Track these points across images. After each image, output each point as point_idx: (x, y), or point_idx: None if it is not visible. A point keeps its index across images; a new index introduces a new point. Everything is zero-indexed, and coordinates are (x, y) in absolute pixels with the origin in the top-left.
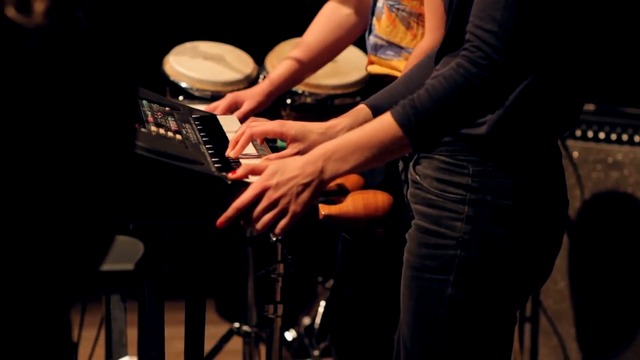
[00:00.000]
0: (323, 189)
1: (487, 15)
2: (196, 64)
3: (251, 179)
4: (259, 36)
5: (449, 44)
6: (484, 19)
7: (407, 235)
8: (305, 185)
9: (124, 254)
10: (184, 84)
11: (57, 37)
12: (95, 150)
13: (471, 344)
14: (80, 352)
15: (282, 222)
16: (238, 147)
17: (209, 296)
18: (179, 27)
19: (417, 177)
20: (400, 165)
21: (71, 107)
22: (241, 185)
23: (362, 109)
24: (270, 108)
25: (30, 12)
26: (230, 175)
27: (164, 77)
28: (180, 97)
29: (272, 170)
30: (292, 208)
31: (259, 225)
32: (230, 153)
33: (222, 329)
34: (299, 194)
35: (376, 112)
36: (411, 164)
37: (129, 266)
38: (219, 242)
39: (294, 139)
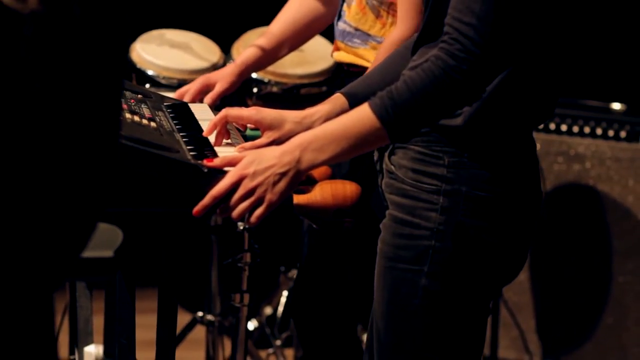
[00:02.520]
0: (300, 179)
1: (466, 8)
2: (163, 51)
3: (228, 168)
4: (226, 25)
5: (426, 35)
6: (462, 12)
7: (381, 225)
8: (282, 175)
9: (103, 241)
10: (150, 72)
11: (51, 23)
12: (83, 135)
13: (445, 334)
14: None
15: (258, 211)
16: (210, 125)
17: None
18: (145, 15)
19: (392, 167)
20: (375, 155)
21: (63, 92)
22: (218, 173)
23: (338, 97)
24: (236, 97)
25: None
26: (207, 163)
27: (131, 65)
28: (147, 85)
29: (250, 159)
30: (268, 197)
31: (235, 213)
32: (206, 134)
33: (183, 318)
34: (275, 183)
35: (353, 101)
36: (386, 154)
37: (109, 253)
38: (182, 231)
39: (269, 127)
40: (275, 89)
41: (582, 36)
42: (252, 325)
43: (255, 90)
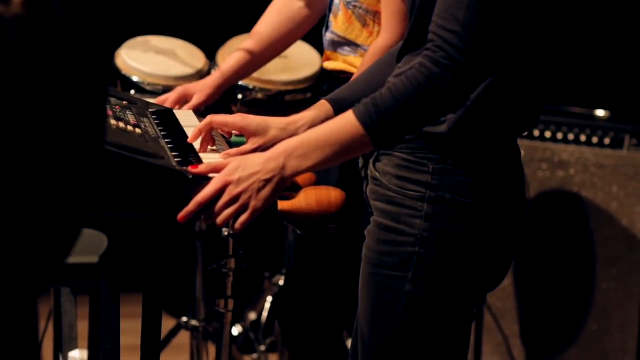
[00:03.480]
0: (284, 185)
1: (450, 16)
2: (148, 58)
3: (213, 174)
4: (211, 31)
5: (411, 43)
6: (446, 19)
7: (366, 232)
8: (267, 182)
9: (89, 247)
10: (135, 78)
11: (34, 27)
12: (68, 141)
13: (429, 341)
14: None
15: (243, 218)
16: (195, 131)
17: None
18: (130, 21)
19: (377, 174)
20: (360, 162)
21: (47, 97)
22: (202, 179)
23: (323, 104)
24: (221, 103)
25: (9, 2)
26: (192, 170)
27: (116, 71)
28: (132, 92)
29: (234, 165)
30: (253, 204)
31: (220, 220)
32: (191, 140)
33: (167, 323)
34: (260, 189)
35: (338, 108)
36: (371, 160)
37: (94, 259)
38: (166, 236)
39: (254, 134)
40: (260, 95)
41: (566, 44)
42: (236, 330)
43: (240, 96)
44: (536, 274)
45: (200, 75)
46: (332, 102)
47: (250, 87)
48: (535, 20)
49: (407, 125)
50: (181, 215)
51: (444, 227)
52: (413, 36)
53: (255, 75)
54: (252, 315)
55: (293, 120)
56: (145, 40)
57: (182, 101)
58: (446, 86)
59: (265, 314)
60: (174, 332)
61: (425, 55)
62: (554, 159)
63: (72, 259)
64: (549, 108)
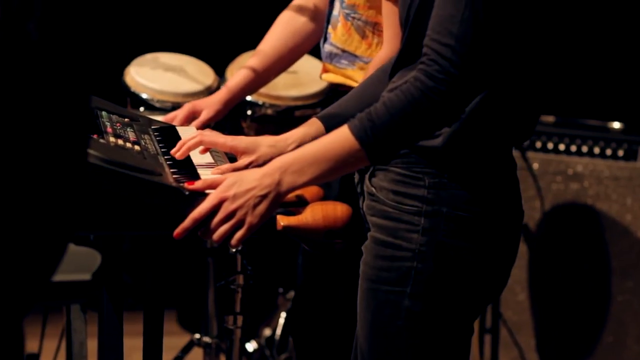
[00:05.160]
0: (280, 201)
1: (444, 29)
2: (157, 75)
3: (209, 190)
4: (220, 47)
5: (405, 57)
6: (441, 33)
7: (363, 248)
8: (262, 197)
9: (82, 264)
10: (144, 95)
11: (8, 48)
12: (45, 160)
13: (429, 355)
14: None
15: (239, 234)
16: (184, 149)
17: (171, 307)
18: (139, 39)
19: (373, 189)
20: (356, 177)
21: (22, 117)
22: (199, 196)
23: (314, 122)
24: (230, 119)
25: None
26: (188, 186)
27: (125, 88)
28: (141, 108)
29: (230, 181)
30: (249, 220)
31: (216, 236)
32: (174, 152)
33: (183, 340)
34: (255, 205)
35: (328, 125)
36: (367, 176)
37: (86, 276)
38: (180, 253)
39: (244, 152)
40: (269, 111)
41: (561, 57)
42: (251, 346)
43: (249, 112)
44: (551, 286)
45: (210, 91)
46: (323, 119)
47: (260, 102)
48: (529, 33)
49: (403, 139)
50: (177, 231)
51: (441, 241)
52: (407, 50)
53: (265, 90)
54: (267, 331)
55: (282, 137)
56: (154, 57)
57: (191, 118)
58: (441, 100)
59: (279, 330)
60: (186, 349)
61: (420, 69)
62: (568, 172)
63: (65, 277)
64: (562, 120)
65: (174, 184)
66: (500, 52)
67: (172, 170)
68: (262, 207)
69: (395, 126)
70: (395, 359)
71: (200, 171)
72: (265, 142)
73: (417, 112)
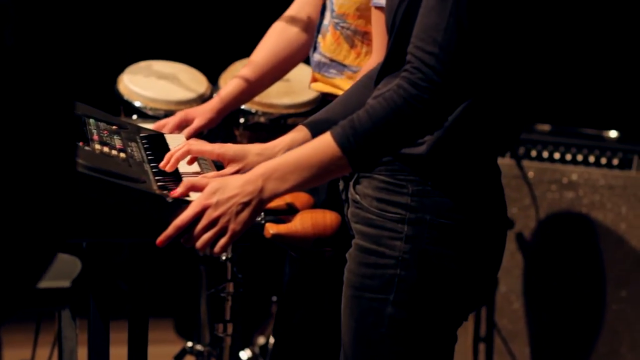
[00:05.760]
0: (262, 208)
1: (428, 37)
2: (150, 83)
3: (192, 196)
4: (213, 55)
5: (390, 64)
6: (424, 40)
7: (347, 255)
8: (245, 205)
9: (61, 271)
10: (137, 103)
11: None
12: (25, 167)
13: None
14: None
15: (222, 241)
16: (172, 161)
17: (167, 315)
18: (133, 46)
19: (357, 196)
20: (341, 184)
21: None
22: (182, 203)
23: (300, 129)
24: (223, 127)
25: None
26: (171, 194)
27: (118, 96)
28: (134, 116)
29: (212, 188)
30: (232, 227)
31: (199, 243)
32: (163, 165)
33: (173, 348)
34: (238, 212)
35: (315, 132)
36: (351, 183)
37: (66, 283)
38: (174, 261)
39: (232, 160)
40: (262, 119)
41: (546, 66)
42: (245, 355)
43: (242, 120)
44: (546, 295)
45: (203, 99)
46: (309, 126)
47: (253, 110)
48: (513, 42)
49: (385, 146)
50: (160, 239)
51: (424, 249)
52: (392, 58)
53: (257, 99)
54: (261, 340)
55: (269, 145)
56: (148, 65)
57: (183, 125)
58: (423, 107)
59: (272, 338)
60: (179, 357)
61: (403, 76)
62: (563, 180)
63: (44, 283)
64: (557, 129)
65: (157, 192)
66: (484, 60)
67: (156, 177)
68: (244, 215)
69: (378, 134)
70: None
71: (185, 179)
72: (253, 150)
73: (400, 120)
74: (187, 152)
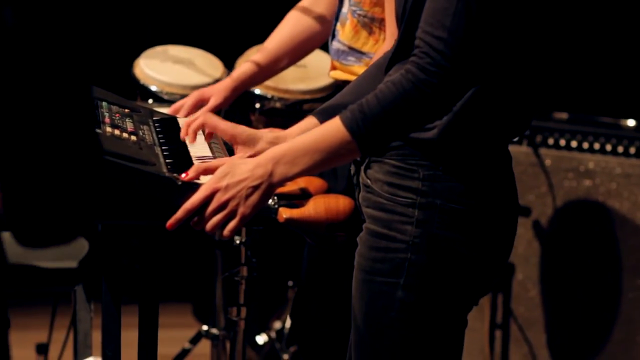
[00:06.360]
0: (272, 191)
1: (437, 22)
2: (166, 67)
3: (202, 179)
4: (230, 40)
5: (401, 51)
6: (433, 25)
7: (358, 239)
8: (255, 188)
9: (69, 252)
10: (153, 88)
11: None
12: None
13: (422, 347)
14: (51, 354)
15: (231, 224)
16: (190, 132)
17: (185, 300)
18: (149, 31)
19: (368, 180)
20: (352, 169)
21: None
22: (192, 186)
23: (311, 118)
24: (239, 112)
25: None
26: (181, 177)
27: (134, 81)
28: (150, 101)
29: (223, 172)
30: (241, 210)
31: (208, 226)
32: (183, 136)
33: (189, 332)
34: (248, 196)
35: (324, 120)
36: (362, 167)
37: (73, 264)
38: (191, 246)
39: (243, 144)
40: (278, 104)
41: (556, 51)
42: (261, 339)
43: (258, 105)
44: (562, 283)
45: None
46: (319, 115)
47: (269, 96)
48: (522, 26)
49: (393, 131)
50: (170, 222)
51: (435, 233)
52: (402, 44)
53: (273, 84)
54: (277, 324)
55: (282, 134)
56: (164, 50)
57: (199, 106)
58: (432, 92)
59: (288, 323)
60: (194, 340)
61: (412, 61)
62: (580, 169)
63: (51, 264)
64: (575, 117)
65: (167, 174)
66: (493, 44)
67: (167, 161)
68: (254, 198)
69: (387, 118)
70: (389, 350)
71: (196, 163)
72: (265, 138)
73: (409, 104)
74: (202, 124)
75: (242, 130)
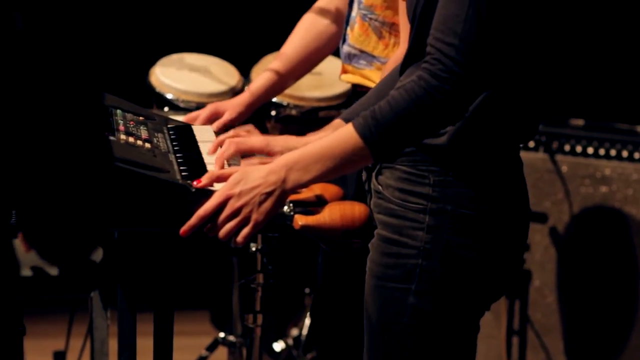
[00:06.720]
0: (286, 198)
1: (448, 28)
2: (182, 75)
3: (216, 186)
4: (245, 48)
5: (413, 55)
6: (444, 32)
7: (370, 245)
8: (268, 195)
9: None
10: (169, 95)
11: None
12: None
13: (434, 353)
14: None
15: (244, 231)
16: (219, 162)
17: (203, 307)
18: (165, 39)
19: (380, 187)
20: (364, 175)
21: (7, 107)
22: (205, 193)
23: (339, 123)
24: (255, 120)
25: None
26: (195, 184)
27: (150, 89)
28: (166, 109)
29: (236, 179)
30: (254, 217)
31: (222, 233)
32: (210, 152)
33: (206, 339)
34: (261, 203)
35: None
36: (374, 174)
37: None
38: (207, 253)
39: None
40: (293, 111)
41: (566, 56)
42: (278, 346)
43: (273, 113)
44: (580, 290)
45: (234, 92)
46: (346, 120)
47: (284, 103)
48: (532, 32)
49: (406, 137)
50: (183, 229)
51: (446, 239)
52: (415, 48)
53: (288, 91)
54: (294, 331)
55: (311, 140)
56: (180, 58)
57: (213, 118)
58: (444, 98)
59: (305, 330)
60: (211, 348)
61: (424, 67)
62: (596, 175)
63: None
64: (591, 124)
65: (181, 181)
66: (504, 50)
67: (181, 168)
68: (267, 205)
69: (399, 125)
70: (401, 356)
71: (210, 169)
72: (298, 146)
73: (421, 111)
74: (237, 152)
75: (275, 143)
